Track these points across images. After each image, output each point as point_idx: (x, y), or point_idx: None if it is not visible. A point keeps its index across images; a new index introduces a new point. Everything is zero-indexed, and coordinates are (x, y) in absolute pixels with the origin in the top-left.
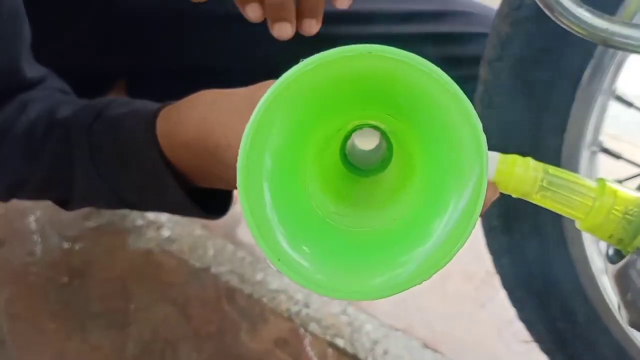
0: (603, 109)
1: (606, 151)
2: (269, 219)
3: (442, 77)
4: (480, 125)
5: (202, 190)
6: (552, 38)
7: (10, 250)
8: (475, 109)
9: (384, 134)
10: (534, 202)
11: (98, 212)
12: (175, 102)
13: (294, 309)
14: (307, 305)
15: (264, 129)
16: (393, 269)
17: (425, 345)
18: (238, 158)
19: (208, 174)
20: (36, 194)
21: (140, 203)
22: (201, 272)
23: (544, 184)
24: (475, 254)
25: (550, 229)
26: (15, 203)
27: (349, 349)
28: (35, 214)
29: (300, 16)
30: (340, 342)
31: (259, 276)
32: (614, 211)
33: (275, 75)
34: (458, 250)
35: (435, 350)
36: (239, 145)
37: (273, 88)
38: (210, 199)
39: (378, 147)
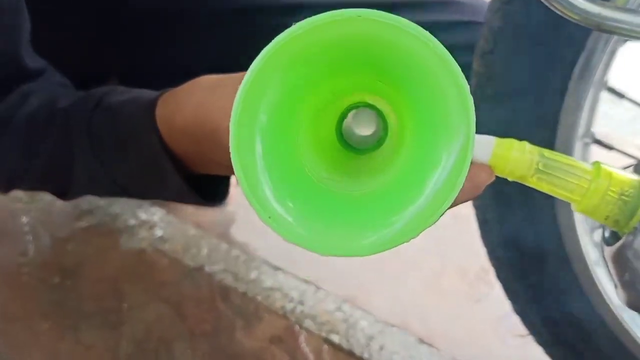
0: (595, 101)
1: (599, 142)
2: (256, 169)
3: (429, 39)
4: (466, 84)
5: (200, 179)
6: (544, 30)
7: (2, 251)
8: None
9: (379, 114)
10: (530, 185)
11: (90, 213)
12: (173, 89)
13: (289, 306)
14: (301, 303)
15: (259, 85)
16: (383, 228)
17: (421, 341)
18: (232, 109)
19: (206, 159)
20: (36, 184)
21: (138, 190)
22: (195, 271)
23: (540, 167)
24: (470, 250)
25: (544, 220)
26: (6, 204)
27: (345, 345)
28: (27, 215)
29: None
30: (335, 338)
31: (253, 274)
32: (610, 193)
33: None
34: (447, 208)
35: (430, 346)
36: None
37: (265, 50)
38: (209, 188)
39: (375, 132)
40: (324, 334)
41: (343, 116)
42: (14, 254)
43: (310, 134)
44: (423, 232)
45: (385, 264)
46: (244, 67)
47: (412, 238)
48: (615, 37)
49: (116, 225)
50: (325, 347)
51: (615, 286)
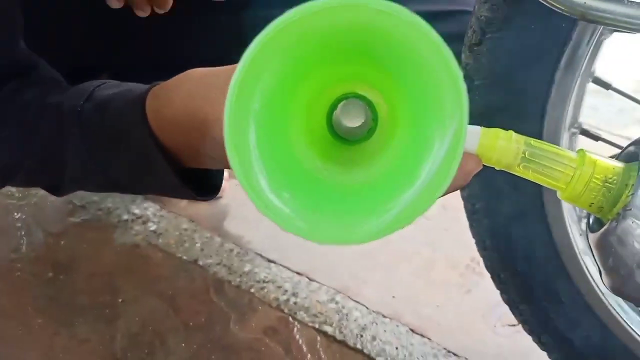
0: (582, 92)
1: (586, 133)
2: (251, 161)
3: (423, 26)
4: (459, 70)
5: (192, 173)
6: (531, 21)
7: None
8: None
9: (369, 105)
10: (517, 173)
11: (83, 208)
12: (164, 82)
13: (282, 298)
14: (295, 294)
15: (253, 72)
16: (378, 216)
17: (413, 331)
18: (227, 96)
19: (197, 152)
20: (29, 179)
21: (131, 185)
22: (189, 264)
23: (526, 156)
24: (461, 241)
25: (532, 210)
26: None
27: (338, 336)
28: (19, 211)
29: None
30: (329, 329)
31: (247, 267)
32: (594, 180)
33: None
34: (440, 194)
35: (422, 336)
36: None
37: (259, 38)
38: (201, 182)
39: (364, 124)
40: (317, 326)
41: (333, 107)
42: (6, 250)
43: (302, 124)
44: (414, 223)
45: (377, 256)
46: (235, 61)
47: (407, 224)
48: (601, 29)
49: (110, 220)
50: (319, 338)
51: (600, 272)
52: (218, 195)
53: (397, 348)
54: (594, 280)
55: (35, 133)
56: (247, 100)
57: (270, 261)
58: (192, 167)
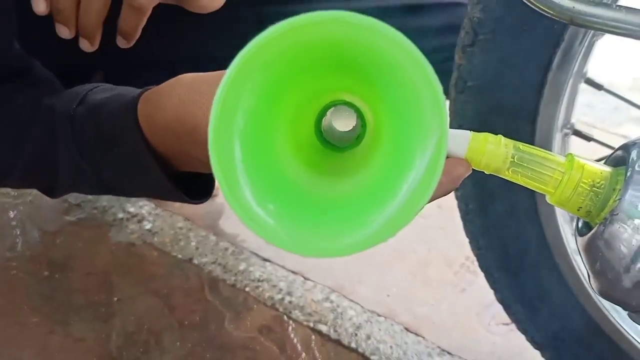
0: (574, 92)
1: (578, 133)
2: (237, 175)
3: (401, 39)
4: (438, 83)
5: (185, 176)
6: (523, 23)
7: None
8: (449, 93)
9: (358, 112)
10: (506, 177)
11: (78, 207)
12: (155, 86)
13: (277, 297)
14: (290, 294)
15: (236, 89)
16: (361, 229)
17: (407, 330)
18: (210, 113)
19: (188, 157)
20: (22, 181)
21: (123, 187)
22: (184, 263)
23: (515, 160)
24: (455, 240)
25: (525, 211)
26: None
27: (333, 335)
28: (14, 209)
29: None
30: (323, 328)
31: (242, 266)
32: (581, 184)
33: None
34: (421, 208)
35: (416, 334)
36: None
37: (243, 52)
38: (193, 184)
39: (354, 128)
40: (312, 324)
41: (322, 115)
42: (2, 249)
43: (288, 134)
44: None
45: (371, 254)
46: (227, 62)
47: (390, 237)
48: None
49: (105, 218)
50: (314, 336)
51: (588, 275)
52: (213, 194)
53: (391, 347)
54: (585, 280)
55: (27, 135)
56: (230, 116)
57: (265, 260)
58: (185, 170)
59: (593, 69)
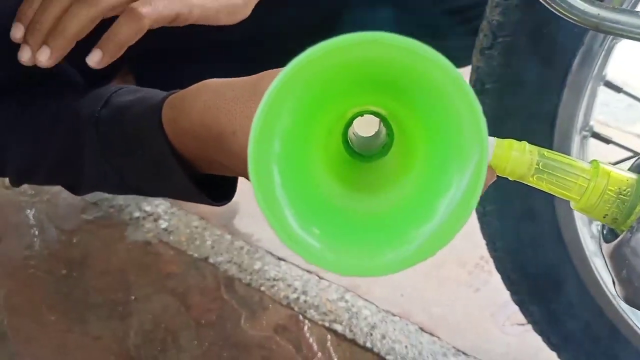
0: (593, 94)
1: (596, 136)
2: (279, 202)
3: (442, 62)
4: (479, 108)
5: (207, 177)
6: (542, 25)
7: (7, 244)
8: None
9: (384, 120)
10: (530, 184)
11: (95, 205)
12: (180, 91)
13: (293, 296)
14: (305, 293)
15: (273, 114)
16: (400, 246)
17: (422, 330)
18: (249, 143)
19: (212, 161)
20: (47, 179)
21: (146, 189)
22: (199, 262)
23: (540, 167)
24: (469, 240)
25: (543, 212)
26: (11, 197)
27: (348, 334)
28: (32, 208)
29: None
30: (338, 328)
31: (257, 265)
32: (608, 192)
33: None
34: (460, 228)
35: (431, 334)
36: (243, 133)
37: (282, 75)
38: (216, 186)
39: (377, 133)
40: (327, 324)
41: (348, 125)
42: (20, 247)
43: (321, 152)
44: None
45: None
46: (256, 46)
47: (429, 257)
48: None
49: (121, 217)
50: (329, 336)
51: (613, 282)
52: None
53: (406, 347)
54: (603, 283)
55: (52, 136)
56: (268, 139)
57: (280, 259)
58: (208, 173)
59: (613, 70)
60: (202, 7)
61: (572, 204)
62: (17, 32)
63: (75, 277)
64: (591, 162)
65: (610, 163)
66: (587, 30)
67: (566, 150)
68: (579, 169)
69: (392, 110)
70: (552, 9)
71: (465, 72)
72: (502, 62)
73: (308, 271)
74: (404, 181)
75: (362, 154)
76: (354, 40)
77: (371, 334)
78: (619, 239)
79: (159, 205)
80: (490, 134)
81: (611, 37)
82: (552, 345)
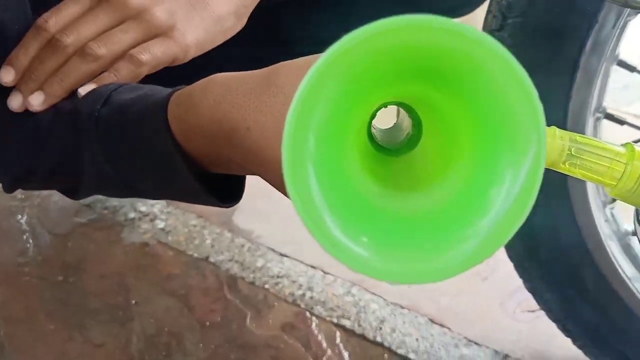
0: (606, 75)
1: (610, 117)
2: (318, 207)
3: (496, 47)
4: (536, 95)
5: (212, 176)
6: (554, 5)
7: (0, 251)
8: None
9: (409, 110)
10: (562, 171)
11: (88, 207)
12: (186, 86)
13: (298, 293)
14: (310, 289)
15: (308, 107)
16: (456, 245)
17: (432, 321)
18: (283, 140)
19: (222, 159)
20: (44, 183)
21: (149, 190)
22: (200, 262)
23: (572, 152)
24: None
25: (557, 198)
26: (0, 203)
27: (357, 329)
28: (23, 213)
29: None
30: (347, 323)
31: (260, 262)
32: None
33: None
34: (521, 223)
35: (441, 325)
36: (258, 128)
37: (316, 66)
38: (221, 186)
39: (398, 125)
40: (335, 320)
41: (372, 117)
42: (13, 254)
43: (354, 148)
44: None
45: None
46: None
47: (487, 258)
48: (627, 10)
49: (116, 219)
50: (338, 332)
51: None
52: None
53: (417, 339)
54: (619, 266)
55: (49, 138)
56: (303, 139)
57: (282, 255)
58: (215, 172)
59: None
60: (197, 44)
61: (607, 190)
62: (7, 75)
63: (72, 283)
64: (625, 145)
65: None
66: (601, 8)
67: (580, 132)
68: (613, 152)
69: (428, 100)
70: None
71: None
72: (512, 44)
73: (312, 266)
74: (448, 176)
75: (387, 148)
76: (392, 26)
77: (380, 328)
78: None
79: (155, 205)
80: None
81: (626, 13)
82: (568, 332)
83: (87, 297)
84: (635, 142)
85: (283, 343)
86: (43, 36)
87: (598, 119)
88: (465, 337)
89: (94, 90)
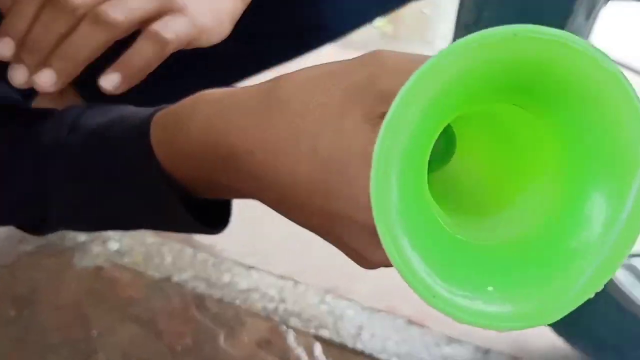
0: None
1: None
2: (410, 258)
3: (599, 56)
4: None
5: (198, 202)
6: None
7: None
8: None
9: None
10: None
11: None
12: (168, 106)
13: (270, 306)
14: (282, 301)
15: (395, 132)
16: (572, 278)
17: (411, 322)
18: (371, 179)
19: (214, 184)
20: (3, 221)
21: (128, 222)
22: (162, 282)
23: None
24: None
25: None
26: None
27: (336, 339)
28: None
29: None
30: (325, 333)
31: (226, 277)
32: None
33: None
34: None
35: (421, 326)
36: (264, 151)
37: (405, 88)
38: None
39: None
40: (312, 331)
41: None
42: None
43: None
44: None
45: None
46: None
47: (597, 291)
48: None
49: (65, 243)
50: (317, 343)
51: None
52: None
53: (397, 342)
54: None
55: (9, 171)
56: (388, 169)
57: (250, 267)
58: (202, 197)
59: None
60: (205, 31)
61: None
62: (6, 48)
63: (26, 317)
64: None
65: None
66: (574, 0)
67: None
68: None
69: (491, 114)
70: None
71: None
72: None
73: (282, 277)
74: (525, 196)
75: None
76: (488, 40)
77: (360, 335)
78: None
79: None
80: None
81: (598, 5)
82: (553, 327)
83: (45, 332)
84: None
85: None
86: None
87: None
88: (447, 335)
89: (53, 114)
